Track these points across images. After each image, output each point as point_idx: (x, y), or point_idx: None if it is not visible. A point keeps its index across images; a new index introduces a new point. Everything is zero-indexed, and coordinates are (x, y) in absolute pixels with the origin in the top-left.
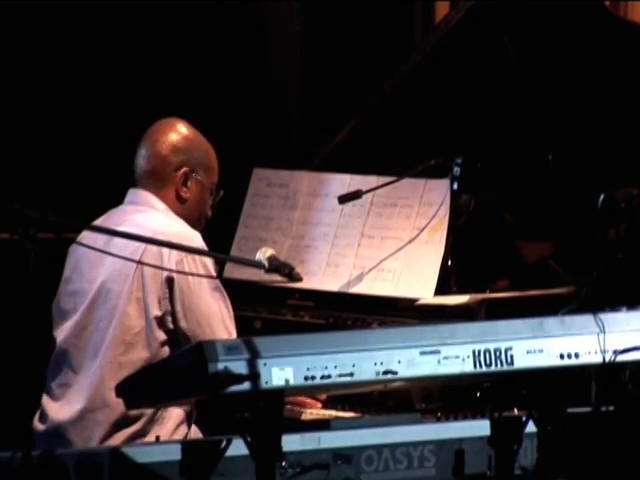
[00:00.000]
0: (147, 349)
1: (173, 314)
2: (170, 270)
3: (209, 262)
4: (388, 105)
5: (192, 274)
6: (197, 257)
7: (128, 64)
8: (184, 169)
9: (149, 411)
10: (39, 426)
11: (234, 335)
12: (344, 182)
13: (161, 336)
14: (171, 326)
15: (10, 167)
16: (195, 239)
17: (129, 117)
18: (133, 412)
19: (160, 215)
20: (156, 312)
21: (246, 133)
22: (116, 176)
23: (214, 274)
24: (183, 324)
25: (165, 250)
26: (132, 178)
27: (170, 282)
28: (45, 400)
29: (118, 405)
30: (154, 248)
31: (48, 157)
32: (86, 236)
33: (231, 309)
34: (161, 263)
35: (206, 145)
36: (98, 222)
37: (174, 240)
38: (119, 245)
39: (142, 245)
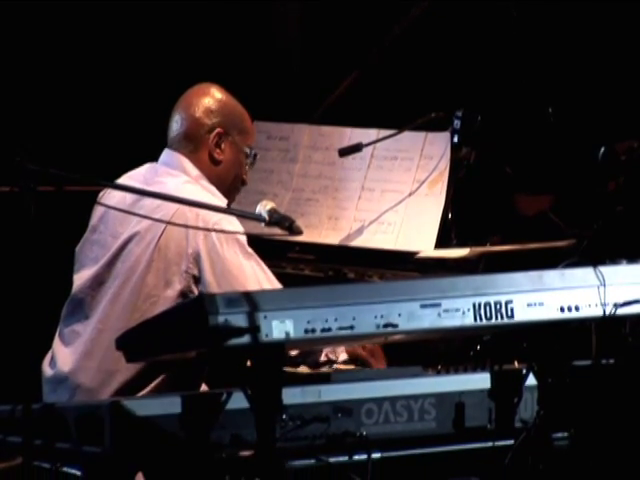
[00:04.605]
0: None
1: (203, 288)
2: (197, 228)
3: (240, 236)
4: (388, 58)
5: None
6: (227, 234)
7: (128, 23)
8: (217, 130)
9: (152, 383)
10: (48, 371)
11: None
12: (344, 135)
13: None
14: None
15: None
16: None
17: (135, 69)
18: (137, 382)
19: (192, 185)
20: (178, 286)
21: (246, 86)
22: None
23: (246, 246)
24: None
25: (191, 224)
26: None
27: (197, 256)
28: (56, 344)
29: (122, 373)
30: (180, 220)
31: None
32: (114, 192)
33: (270, 275)
34: (186, 236)
35: (240, 108)
36: (130, 174)
37: (201, 214)
38: (147, 208)
39: (169, 214)
